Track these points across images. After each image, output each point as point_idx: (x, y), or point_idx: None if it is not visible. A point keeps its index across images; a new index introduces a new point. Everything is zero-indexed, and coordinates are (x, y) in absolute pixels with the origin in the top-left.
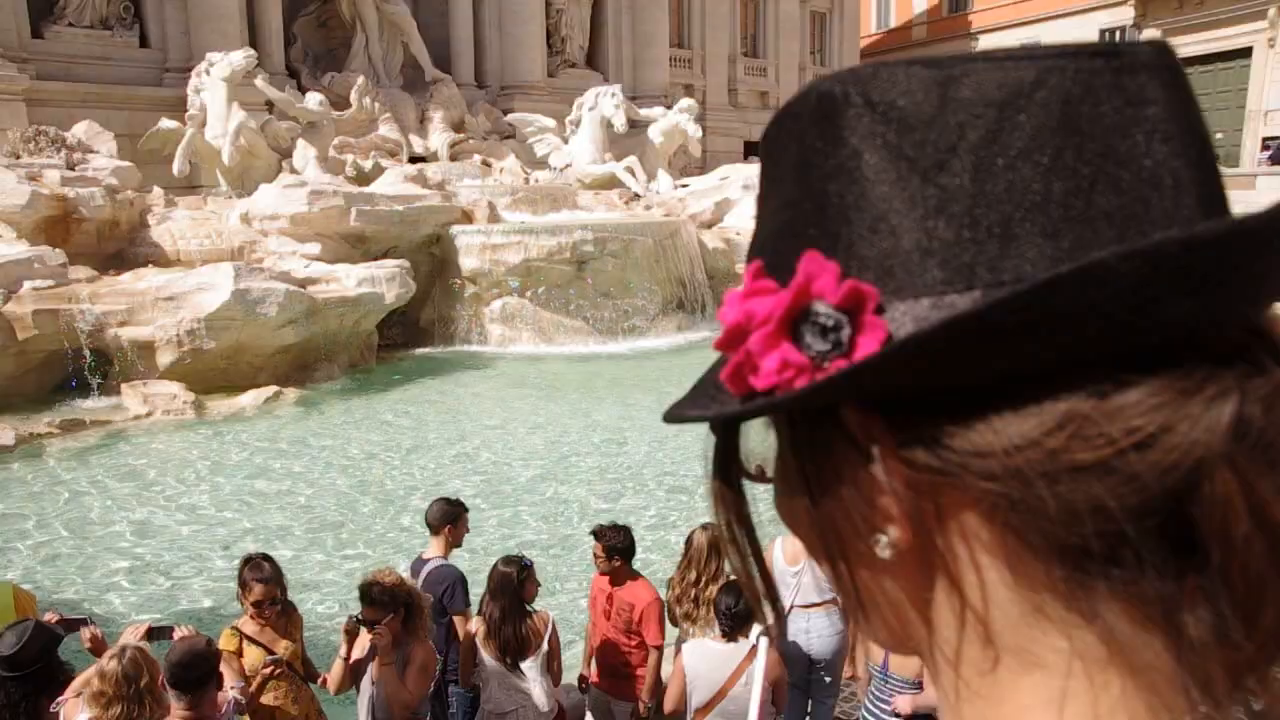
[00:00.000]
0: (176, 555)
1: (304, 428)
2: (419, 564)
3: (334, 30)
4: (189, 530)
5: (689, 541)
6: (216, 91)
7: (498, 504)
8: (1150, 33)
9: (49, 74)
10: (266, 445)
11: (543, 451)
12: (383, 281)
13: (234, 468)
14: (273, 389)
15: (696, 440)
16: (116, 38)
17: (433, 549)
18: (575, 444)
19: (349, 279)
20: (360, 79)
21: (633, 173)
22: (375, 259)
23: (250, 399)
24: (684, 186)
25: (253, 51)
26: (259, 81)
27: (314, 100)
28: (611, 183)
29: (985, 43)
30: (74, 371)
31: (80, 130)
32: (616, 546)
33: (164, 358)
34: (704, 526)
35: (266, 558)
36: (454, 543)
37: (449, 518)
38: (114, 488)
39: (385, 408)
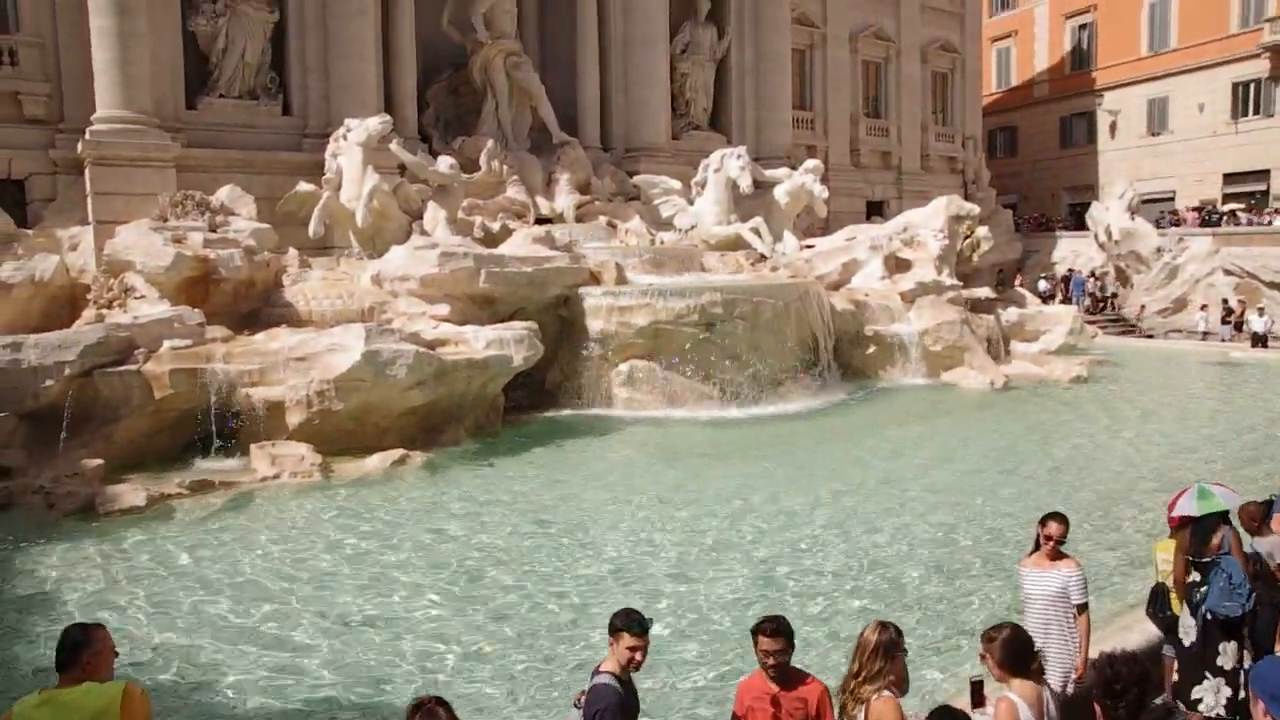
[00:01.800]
0: (301, 631)
1: (432, 495)
2: (594, 672)
3: (465, 96)
4: (312, 605)
5: (861, 637)
6: (352, 156)
7: (630, 595)
8: None
9: (198, 141)
10: (393, 514)
11: (684, 531)
12: (511, 344)
13: (360, 538)
14: (399, 452)
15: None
16: (261, 107)
17: (609, 660)
18: (718, 520)
19: (477, 341)
20: (490, 142)
21: (758, 234)
22: (503, 320)
23: (377, 462)
24: (809, 247)
25: (388, 117)
26: (393, 146)
27: (445, 163)
28: (737, 244)
29: (1110, 100)
30: (205, 430)
31: (223, 194)
32: (788, 641)
33: (293, 418)
34: (881, 625)
35: (440, 702)
36: (619, 660)
37: (610, 628)
38: (239, 555)
39: (514, 476)
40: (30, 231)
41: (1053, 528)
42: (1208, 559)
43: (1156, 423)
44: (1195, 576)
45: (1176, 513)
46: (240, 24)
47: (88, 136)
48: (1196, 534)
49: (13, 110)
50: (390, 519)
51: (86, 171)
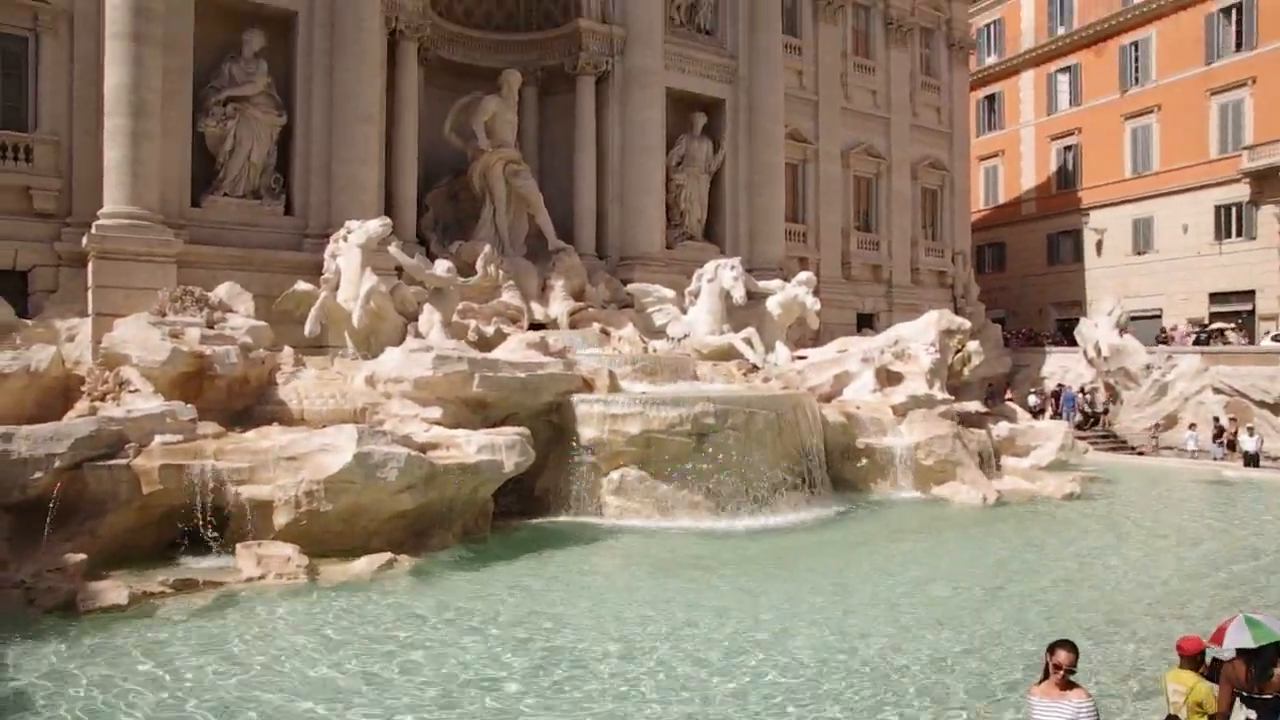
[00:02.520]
0: None
1: (420, 603)
2: None
3: (463, 201)
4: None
5: None
6: (351, 257)
7: None
8: (1267, 210)
9: (201, 238)
10: (380, 623)
11: (683, 660)
12: (503, 449)
13: (340, 651)
14: (387, 556)
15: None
16: (264, 206)
17: None
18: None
19: (469, 445)
20: (487, 247)
21: (751, 344)
22: (495, 425)
23: (364, 565)
24: (801, 359)
25: (389, 220)
26: (392, 249)
27: (442, 267)
28: (729, 354)
29: (1096, 219)
30: (192, 528)
31: (222, 291)
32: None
33: (280, 518)
34: None
35: None
36: None
37: None
38: (216, 664)
39: (503, 587)
40: (30, 322)
41: (1061, 656)
42: (1269, 695)
43: (1156, 542)
44: (1250, 715)
45: (1229, 645)
46: (248, 126)
47: (93, 231)
48: (1254, 667)
49: (23, 204)
50: (373, 631)
51: (89, 265)
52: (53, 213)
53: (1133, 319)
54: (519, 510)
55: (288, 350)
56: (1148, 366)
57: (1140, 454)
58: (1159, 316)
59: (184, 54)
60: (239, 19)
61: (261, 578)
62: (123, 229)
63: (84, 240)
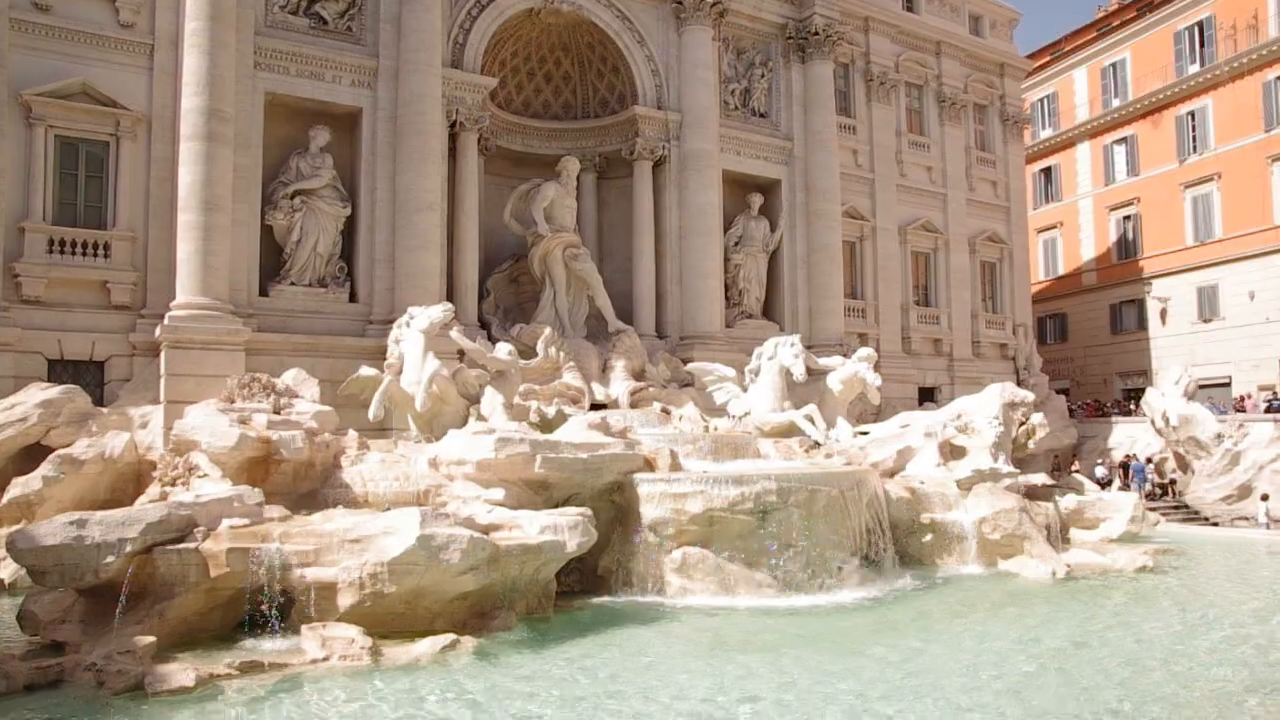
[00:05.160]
0: None
1: (484, 685)
2: None
3: (524, 285)
4: None
5: None
6: (414, 342)
7: None
8: None
9: (268, 326)
10: (446, 703)
11: None
12: (565, 530)
13: None
14: (450, 637)
15: None
16: (329, 294)
17: None
18: None
19: (532, 526)
20: (547, 329)
21: (812, 421)
22: (557, 505)
23: (427, 647)
24: (863, 434)
25: (451, 306)
26: (454, 333)
27: (504, 350)
28: (790, 431)
29: (1159, 287)
30: (257, 610)
31: (289, 377)
32: None
33: (344, 599)
34: None
35: None
36: None
37: None
38: None
39: (570, 666)
40: (105, 410)
41: None
42: None
43: (1241, 620)
44: None
45: None
46: (314, 218)
47: (166, 322)
48: None
49: (101, 297)
50: (439, 714)
51: (162, 354)
52: (128, 305)
53: (1201, 387)
54: (581, 589)
55: (352, 434)
56: (1219, 435)
57: (1214, 525)
58: (1228, 385)
59: (253, 151)
60: (306, 117)
61: (326, 659)
62: (193, 319)
63: (157, 331)
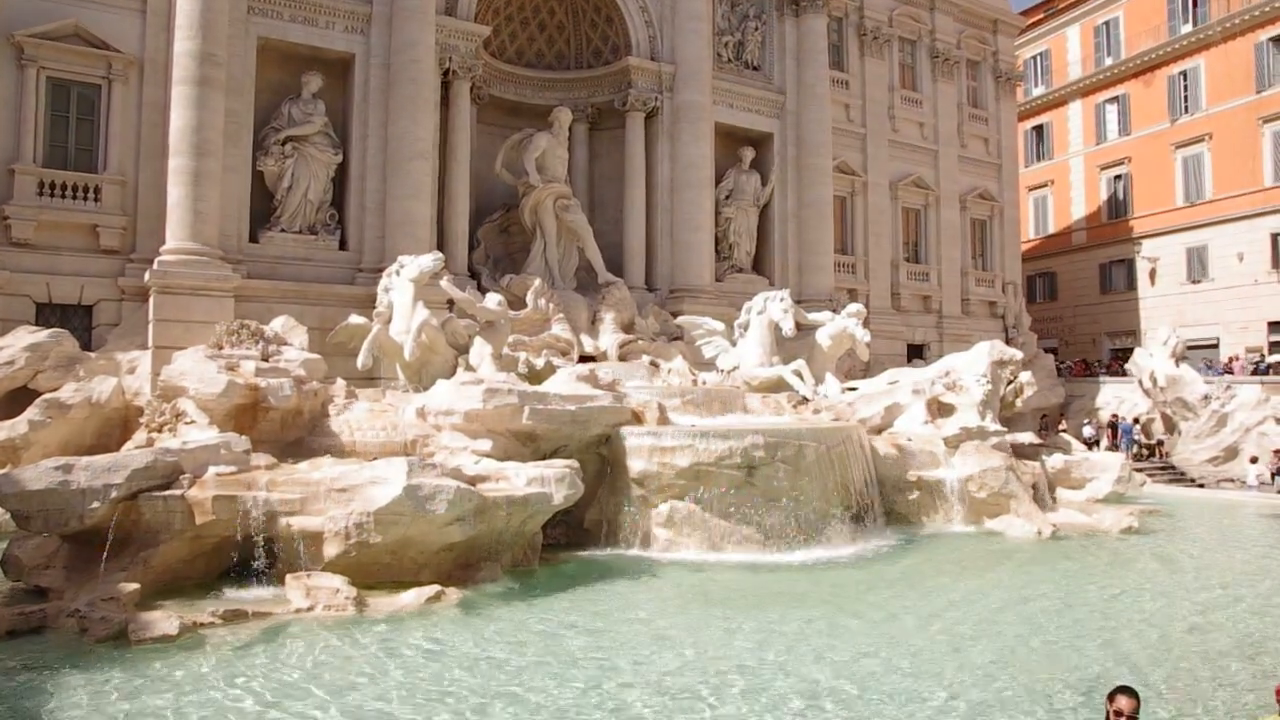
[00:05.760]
0: None
1: (468, 635)
2: None
3: (514, 235)
4: None
5: None
6: (404, 291)
7: None
8: None
9: (258, 273)
10: (429, 655)
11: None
12: (552, 482)
13: (395, 685)
14: (434, 588)
15: None
16: (319, 241)
17: None
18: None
19: (518, 478)
20: (537, 280)
21: (800, 376)
22: (544, 457)
23: (412, 598)
24: (851, 390)
25: (441, 255)
26: (443, 282)
27: (493, 300)
28: (779, 386)
29: (1149, 248)
30: (243, 558)
31: (278, 324)
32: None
33: (330, 549)
34: None
35: None
36: None
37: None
38: (268, 696)
39: (554, 620)
40: (93, 355)
41: (1122, 702)
42: None
43: (1224, 580)
44: None
45: None
46: (305, 164)
47: (155, 266)
48: None
49: (90, 241)
50: (422, 666)
51: (150, 299)
52: (117, 249)
53: (1189, 348)
54: (567, 542)
55: (340, 383)
56: (1206, 397)
57: (1200, 486)
58: (1216, 346)
59: (245, 96)
60: (299, 62)
61: (310, 609)
62: (183, 264)
63: (146, 275)
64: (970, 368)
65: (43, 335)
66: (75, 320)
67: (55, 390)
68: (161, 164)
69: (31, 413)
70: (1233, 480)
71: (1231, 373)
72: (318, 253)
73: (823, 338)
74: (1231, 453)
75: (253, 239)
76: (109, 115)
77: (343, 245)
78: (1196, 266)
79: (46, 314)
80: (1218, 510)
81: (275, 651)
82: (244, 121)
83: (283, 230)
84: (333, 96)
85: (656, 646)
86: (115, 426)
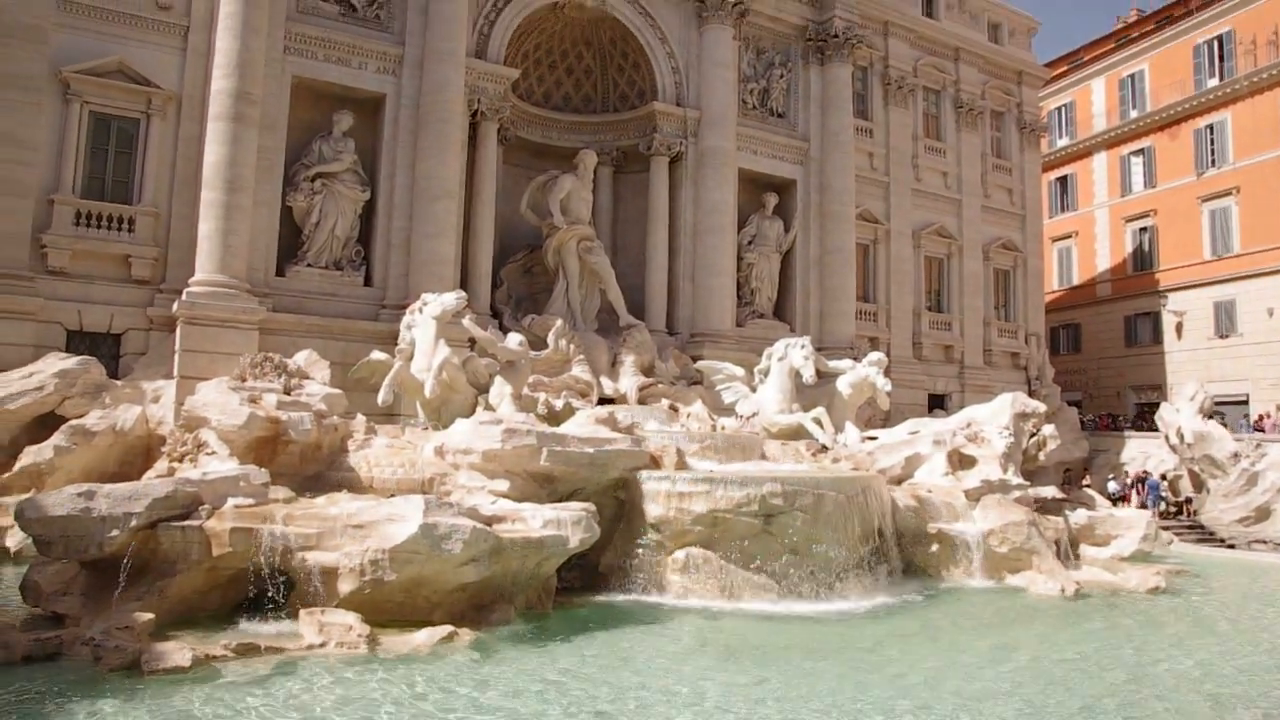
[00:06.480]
0: None
1: (481, 678)
2: None
3: (537, 276)
4: None
5: None
6: (426, 328)
7: None
8: None
9: (283, 306)
10: (439, 703)
11: None
12: (568, 524)
13: None
14: (447, 629)
15: None
16: (345, 277)
17: None
18: None
19: (535, 519)
20: (559, 321)
21: (820, 424)
22: (561, 499)
23: (424, 638)
24: (871, 439)
25: (464, 294)
26: (466, 321)
27: (515, 340)
28: (798, 433)
29: (1175, 301)
30: (257, 592)
31: (301, 358)
32: None
33: (344, 585)
34: None
35: None
36: None
37: None
38: None
39: (568, 668)
40: (119, 383)
41: None
42: None
43: (1259, 646)
44: None
45: None
46: (334, 201)
47: (184, 297)
48: None
49: (122, 271)
50: (432, 713)
51: (178, 329)
52: (148, 279)
53: (1217, 404)
54: (582, 586)
55: (360, 418)
56: (1235, 455)
57: (1230, 547)
58: (1245, 402)
59: (278, 133)
60: (331, 101)
61: (322, 645)
62: (211, 296)
63: (175, 306)
64: (992, 419)
65: (72, 362)
66: (104, 348)
67: (81, 417)
68: (194, 197)
69: (58, 438)
70: (1265, 541)
71: (1263, 430)
72: (343, 288)
73: (843, 386)
74: (1263, 513)
75: (279, 273)
76: (146, 148)
77: (367, 281)
78: (1224, 321)
79: (76, 341)
80: (1249, 572)
81: (287, 688)
82: (275, 157)
83: (309, 265)
84: (362, 135)
85: (670, 700)
86: (138, 454)
